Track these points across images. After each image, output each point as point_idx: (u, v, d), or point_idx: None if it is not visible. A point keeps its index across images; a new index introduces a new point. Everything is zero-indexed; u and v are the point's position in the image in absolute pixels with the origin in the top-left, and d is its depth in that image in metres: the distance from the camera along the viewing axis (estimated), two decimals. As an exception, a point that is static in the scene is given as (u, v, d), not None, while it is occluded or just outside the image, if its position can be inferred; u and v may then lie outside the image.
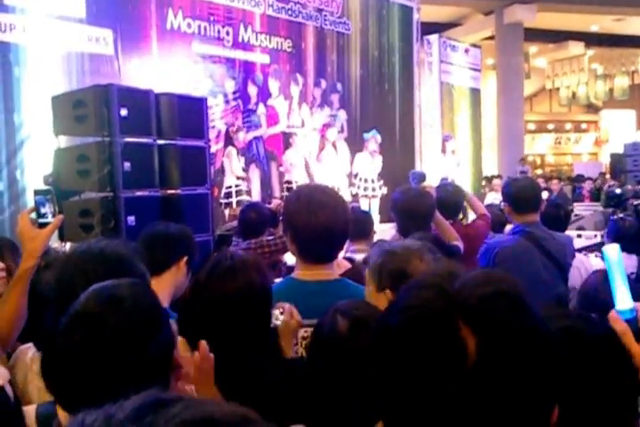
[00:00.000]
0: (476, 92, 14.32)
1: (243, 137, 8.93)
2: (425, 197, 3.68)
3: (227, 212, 8.34)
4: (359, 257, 3.97)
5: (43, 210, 2.50)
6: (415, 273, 2.00)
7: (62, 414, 1.49)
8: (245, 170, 8.94)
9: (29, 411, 1.53)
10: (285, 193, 9.44)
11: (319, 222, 2.21)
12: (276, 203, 5.31)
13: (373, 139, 10.50)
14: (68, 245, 3.77)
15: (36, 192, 2.63)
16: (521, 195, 3.53)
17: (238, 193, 8.50)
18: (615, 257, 1.22)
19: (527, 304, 0.90)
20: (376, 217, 6.18)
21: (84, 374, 1.22)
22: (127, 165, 3.78)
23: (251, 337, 1.85)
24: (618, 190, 8.78)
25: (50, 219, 2.43)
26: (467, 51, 13.89)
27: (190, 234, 2.76)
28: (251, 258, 2.02)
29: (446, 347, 0.85)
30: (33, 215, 2.48)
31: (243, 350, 1.82)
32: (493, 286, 0.90)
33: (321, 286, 2.23)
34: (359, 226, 4.15)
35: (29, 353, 2.10)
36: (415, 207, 3.56)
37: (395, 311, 0.94)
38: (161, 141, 4.06)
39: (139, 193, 3.96)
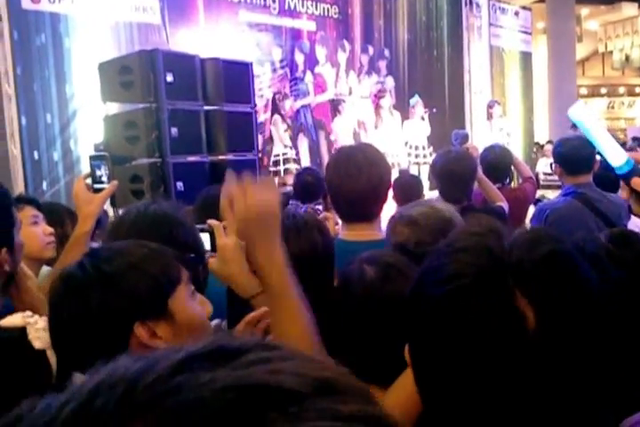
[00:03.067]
0: (527, 56, 13.96)
1: (290, 105, 8.90)
2: (465, 159, 3.58)
3: (276, 180, 8.35)
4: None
5: (98, 174, 2.54)
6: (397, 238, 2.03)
7: None
8: (293, 139, 8.92)
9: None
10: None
11: (352, 182, 2.21)
12: None
13: (419, 103, 10.34)
14: (113, 210, 3.83)
15: (92, 157, 2.67)
16: (573, 155, 3.41)
17: (286, 161, 8.50)
18: (584, 116, 1.13)
19: (579, 263, 0.83)
20: (426, 184, 6.12)
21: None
22: (174, 130, 3.81)
23: (313, 296, 1.85)
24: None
25: (105, 184, 2.47)
26: (517, 13, 13.51)
27: None
28: (312, 217, 2.00)
29: (504, 318, 0.77)
30: (88, 181, 2.52)
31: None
32: (545, 246, 0.82)
33: (365, 247, 2.14)
34: (407, 190, 4.13)
35: None
36: (455, 170, 3.47)
37: (433, 280, 0.84)
38: (207, 107, 4.08)
39: (187, 159, 3.99)
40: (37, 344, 1.38)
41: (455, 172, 3.47)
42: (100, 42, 6.38)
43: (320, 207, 4.34)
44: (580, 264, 0.83)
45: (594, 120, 1.08)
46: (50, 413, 0.39)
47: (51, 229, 2.63)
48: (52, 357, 1.37)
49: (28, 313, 1.44)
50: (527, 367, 0.77)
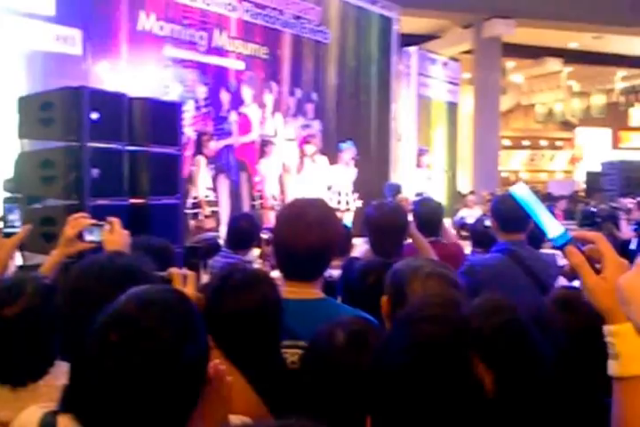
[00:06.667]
0: (453, 107, 14.28)
1: (214, 146, 8.68)
2: (399, 212, 3.55)
3: (192, 223, 8.02)
4: (336, 273, 3.83)
5: (11, 218, 2.49)
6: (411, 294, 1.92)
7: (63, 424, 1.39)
8: (213, 180, 8.66)
9: (33, 417, 1.41)
10: (257, 203, 9.26)
11: (304, 241, 2.10)
12: None
13: (349, 150, 10.32)
14: (20, 255, 3.56)
15: (6, 200, 2.58)
16: (511, 214, 3.38)
17: (205, 204, 8.21)
18: (525, 192, 1.24)
19: (532, 331, 0.90)
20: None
21: (116, 379, 1.18)
22: (95, 171, 3.61)
23: (262, 351, 1.82)
24: (593, 209, 8.75)
25: (16, 228, 2.39)
26: (445, 64, 13.86)
27: (171, 248, 2.72)
28: (262, 271, 2.02)
29: (463, 384, 0.84)
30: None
31: (254, 364, 1.78)
32: (502, 315, 0.89)
33: (304, 305, 2.11)
34: (341, 242, 4.01)
35: None
36: (389, 223, 3.42)
37: (398, 348, 0.89)
38: (132, 147, 3.90)
39: (106, 202, 3.78)
40: None
41: (389, 225, 3.42)
42: (14, 71, 6.07)
43: (249, 258, 4.17)
44: (532, 332, 0.90)
45: (533, 197, 1.19)
46: None
47: None
48: None
49: None
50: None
